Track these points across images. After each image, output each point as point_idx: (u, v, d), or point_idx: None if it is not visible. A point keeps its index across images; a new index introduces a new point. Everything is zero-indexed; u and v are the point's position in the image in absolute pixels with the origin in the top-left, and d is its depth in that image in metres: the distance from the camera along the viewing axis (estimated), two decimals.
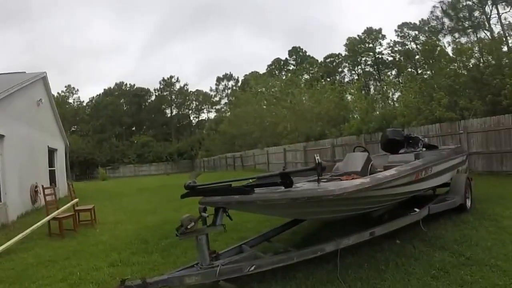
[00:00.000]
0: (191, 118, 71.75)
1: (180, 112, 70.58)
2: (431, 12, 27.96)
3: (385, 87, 37.13)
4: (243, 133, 31.79)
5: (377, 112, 18.67)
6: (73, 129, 61.10)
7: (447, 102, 13.44)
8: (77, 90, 67.96)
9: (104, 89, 70.64)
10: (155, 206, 11.10)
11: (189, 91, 68.57)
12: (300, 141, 22.05)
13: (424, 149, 6.94)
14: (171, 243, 6.00)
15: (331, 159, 18.01)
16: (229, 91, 63.52)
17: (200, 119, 70.60)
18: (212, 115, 66.33)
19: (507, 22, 22.44)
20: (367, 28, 47.74)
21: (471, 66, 14.25)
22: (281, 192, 3.54)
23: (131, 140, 61.80)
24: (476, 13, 24.56)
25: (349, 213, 4.76)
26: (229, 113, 43.63)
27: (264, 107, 30.63)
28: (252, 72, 56.24)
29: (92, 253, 5.88)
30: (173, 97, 69.38)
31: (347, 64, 50.39)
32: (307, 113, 25.18)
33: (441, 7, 26.10)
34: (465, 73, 14.25)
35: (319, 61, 50.04)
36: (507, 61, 12.02)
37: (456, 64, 15.50)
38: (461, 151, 8.22)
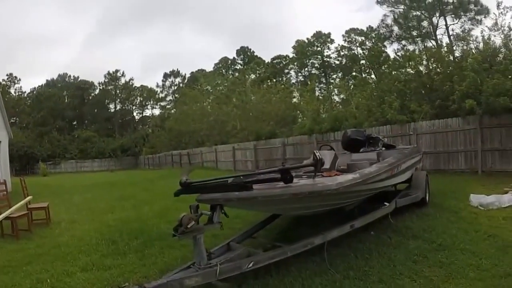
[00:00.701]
0: (135, 114, 69.28)
1: (124, 108, 67.74)
2: (382, 20, 29.74)
3: (336, 89, 39.42)
4: (191, 131, 31.38)
5: (324, 114, 19.34)
6: (12, 120, 55.80)
7: (398, 106, 14.37)
8: (19, 79, 62.52)
9: (47, 80, 66.25)
10: (110, 204, 10.48)
11: (133, 86, 66.12)
12: (250, 140, 22.23)
13: (383, 148, 7.33)
14: (143, 243, 5.77)
15: (282, 157, 18.41)
16: (175, 87, 62.20)
17: (143, 115, 68.44)
18: (156, 111, 64.68)
19: (454, 33, 24.59)
20: (316, 31, 49.69)
21: (422, 72, 15.36)
22: (283, 188, 3.61)
23: (73, 135, 58.00)
24: (425, 23, 26.58)
25: (336, 206, 5.00)
26: (175, 110, 42.82)
27: (214, 105, 30.45)
28: (199, 70, 55.82)
29: (56, 257, 5.34)
30: (118, 91, 66.35)
31: (293, 66, 51.76)
32: (257, 113, 25.61)
33: (393, 16, 27.68)
34: (416, 79, 15.30)
35: (266, 61, 50.89)
36: (455, 70, 13.16)
37: (406, 70, 16.63)
38: (418, 150, 8.86)
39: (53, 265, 4.90)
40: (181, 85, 60.49)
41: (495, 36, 13.96)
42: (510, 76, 10.91)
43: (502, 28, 13.63)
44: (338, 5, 71.24)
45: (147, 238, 6.02)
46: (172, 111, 46.27)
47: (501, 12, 13.59)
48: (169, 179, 16.28)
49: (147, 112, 68.01)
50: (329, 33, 48.86)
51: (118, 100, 66.54)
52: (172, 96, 61.45)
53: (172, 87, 63.40)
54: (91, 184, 19.38)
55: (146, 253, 5.25)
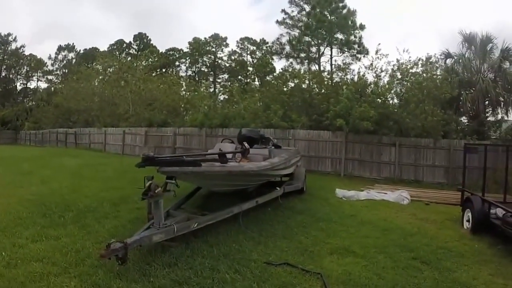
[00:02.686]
0: (18, 84, 58.23)
1: (8, 76, 56.24)
2: (277, 38, 33.05)
3: (221, 89, 41.44)
4: (80, 109, 28.88)
5: (209, 111, 20.40)
6: None
7: (281, 114, 16.64)
8: None
9: None
10: (15, 179, 9.49)
11: (23, 54, 55.66)
12: (142, 126, 22.00)
13: (273, 147, 8.74)
14: (76, 215, 5.85)
15: (172, 146, 19.12)
16: (66, 62, 55.05)
17: (27, 86, 58.13)
18: (43, 84, 55.86)
19: (336, 63, 28.76)
20: (214, 33, 50.99)
21: (305, 90, 18.09)
22: (221, 167, 4.67)
23: None
24: (313, 49, 30.90)
25: (247, 185, 6.32)
26: (63, 85, 38.32)
27: (107, 86, 28.64)
28: (92, 47, 51.29)
29: None
30: (5, 57, 54.80)
31: (185, 60, 52.25)
32: (152, 100, 25.35)
33: (289, 38, 31.22)
34: (298, 94, 17.92)
35: (161, 51, 50.12)
36: (332, 93, 16.17)
37: (289, 85, 19.16)
38: (298, 152, 10.85)
39: None
40: (73, 60, 53.68)
41: (368, 73, 17.25)
42: (374, 107, 14.03)
43: (375, 69, 16.90)
44: (239, 11, 74.02)
45: (77, 211, 6.11)
46: (61, 86, 40.87)
47: (377, 56, 17.09)
48: (62, 158, 15.37)
49: (32, 84, 57.93)
50: (226, 37, 50.86)
51: (5, 66, 54.72)
52: (61, 71, 53.88)
53: (64, 61, 55.60)
54: None
55: (85, 223, 5.43)
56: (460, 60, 17.54)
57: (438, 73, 16.40)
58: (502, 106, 16.42)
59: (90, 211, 6.14)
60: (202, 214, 5.33)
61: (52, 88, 45.10)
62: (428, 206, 8.90)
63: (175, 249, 4.33)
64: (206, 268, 3.92)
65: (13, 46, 54.53)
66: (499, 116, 16.61)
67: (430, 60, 16.69)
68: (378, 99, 15.05)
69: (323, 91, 17.09)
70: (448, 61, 18.21)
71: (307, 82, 19.07)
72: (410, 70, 16.02)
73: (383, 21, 59.96)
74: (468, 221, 6.44)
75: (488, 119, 16.41)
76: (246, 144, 5.60)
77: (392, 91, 15.47)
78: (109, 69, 30.98)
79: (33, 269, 3.74)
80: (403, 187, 11.36)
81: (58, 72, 54.15)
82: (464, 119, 17.13)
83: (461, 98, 16.04)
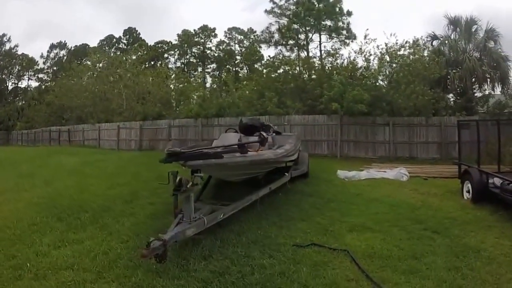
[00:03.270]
0: (8, 83, 56.54)
1: (2, 76, 54.62)
2: (267, 27, 33.26)
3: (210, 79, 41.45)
4: (73, 106, 28.58)
5: (201, 101, 20.51)
6: None
7: (276, 101, 16.89)
8: None
9: None
10: (16, 182, 9.04)
11: (16, 54, 54.12)
12: (137, 120, 22.01)
13: (274, 134, 8.97)
14: (92, 216, 5.69)
15: (167, 138, 19.23)
16: (57, 59, 53.85)
17: (18, 86, 56.59)
18: (33, 83, 54.54)
19: (325, 49, 29.13)
20: (203, 25, 50.66)
21: (297, 76, 18.39)
22: (243, 157, 4.80)
23: None
24: (302, 36, 31.15)
25: (260, 172, 6.52)
26: (54, 82, 37.71)
27: (99, 81, 28.33)
28: (82, 44, 50.56)
29: (11, 241, 4.67)
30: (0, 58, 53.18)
31: (173, 52, 51.96)
32: (145, 94, 25.31)
33: (279, 26, 31.37)
34: (292, 81, 18.21)
35: (149, 44, 49.72)
36: (324, 79, 16.50)
37: (281, 72, 19.35)
38: (299, 137, 11.12)
39: (17, 249, 4.35)
40: (64, 57, 52.47)
41: (358, 57, 17.64)
42: (366, 89, 14.47)
43: (364, 53, 17.32)
44: (226, 2, 73.53)
45: (92, 211, 5.96)
46: (52, 83, 40.10)
47: (366, 41, 17.54)
48: (58, 156, 15.12)
49: (23, 84, 56.43)
50: (214, 28, 50.63)
51: None
52: (51, 69, 52.63)
53: (56, 59, 54.32)
54: None
55: (103, 224, 5.32)
56: (446, 42, 18.01)
57: (425, 55, 16.90)
58: (488, 82, 17.05)
59: (104, 210, 6.04)
60: (222, 204, 5.43)
61: (43, 86, 44.16)
62: (426, 181, 9.39)
63: (205, 241, 4.40)
64: (241, 256, 4.07)
65: (7, 46, 53.12)
66: (486, 92, 17.26)
67: (417, 43, 17.13)
68: (369, 82, 15.47)
69: (314, 76, 17.37)
70: (435, 42, 18.67)
71: (298, 69, 19.34)
72: (398, 52, 16.42)
73: (365, 5, 60.26)
74: (468, 192, 6.89)
75: (475, 95, 17.03)
76: (263, 134, 5.79)
77: (382, 74, 15.83)
78: (98, 64, 30.60)
79: (65, 278, 3.56)
80: (400, 165, 11.82)
81: (49, 70, 52.94)
82: (451, 97, 17.72)
83: (449, 77, 16.59)
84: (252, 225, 5.15)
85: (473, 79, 16.67)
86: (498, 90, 17.11)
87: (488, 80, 16.92)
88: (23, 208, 6.29)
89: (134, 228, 5.10)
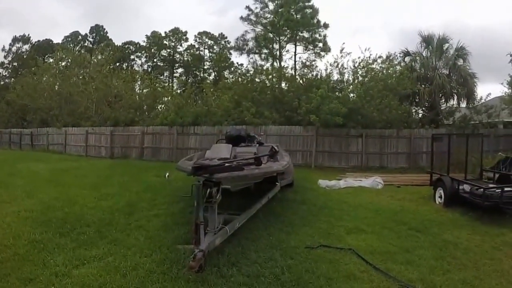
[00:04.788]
0: None
1: None
2: (242, 35, 33.55)
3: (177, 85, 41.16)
4: (37, 108, 27.01)
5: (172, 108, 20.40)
6: None
7: (254, 111, 17.40)
8: None
9: None
10: None
11: None
12: (107, 125, 21.17)
13: (257, 145, 9.19)
14: (97, 231, 5.50)
15: (140, 145, 19.15)
16: (19, 54, 50.41)
17: None
18: None
19: (300, 60, 29.62)
20: (174, 27, 50.14)
21: (275, 87, 19.10)
22: (258, 169, 5.33)
23: None
24: (276, 46, 31.89)
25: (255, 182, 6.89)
26: (16, 80, 35.23)
27: (65, 82, 27.04)
28: (46, 39, 48.06)
29: (16, 263, 4.31)
30: None
31: (140, 54, 50.93)
32: (118, 98, 24.56)
33: (256, 35, 31.88)
34: (270, 92, 18.94)
35: (117, 45, 48.22)
36: (302, 91, 17.43)
37: (257, 82, 19.88)
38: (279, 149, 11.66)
39: (30, 271, 4.03)
40: (27, 53, 49.04)
41: (332, 71, 18.73)
42: (341, 102, 15.35)
43: (340, 67, 18.44)
44: (195, 5, 72.94)
45: (94, 225, 5.78)
46: (12, 80, 37.38)
47: (342, 55, 18.63)
48: (26, 163, 14.41)
49: None
50: (186, 32, 50.25)
51: None
52: (11, 64, 49.09)
53: (18, 52, 50.53)
54: None
55: (114, 238, 5.21)
56: (418, 58, 19.56)
57: (398, 70, 18.18)
58: (455, 98, 18.72)
59: (107, 224, 5.86)
60: (228, 213, 5.59)
61: (2, 82, 41.40)
62: (399, 189, 10.32)
63: (228, 249, 4.65)
64: (266, 259, 4.44)
65: None
66: (453, 105, 18.82)
67: (390, 58, 18.63)
68: (346, 94, 16.52)
69: (293, 89, 18.13)
70: (407, 58, 20.16)
71: (274, 80, 20.02)
72: (371, 66, 17.65)
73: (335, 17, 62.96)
74: (440, 197, 7.85)
75: (442, 109, 18.60)
76: (275, 147, 6.33)
77: (356, 88, 16.87)
78: (61, 62, 29.28)
79: None
80: (371, 174, 12.77)
81: (9, 65, 49.51)
82: (420, 110, 19.34)
83: (418, 91, 17.96)
84: (262, 232, 5.56)
85: (441, 95, 18.24)
86: (463, 104, 18.78)
87: (455, 95, 18.54)
88: (14, 223, 5.84)
89: (150, 241, 5.06)
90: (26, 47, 50.12)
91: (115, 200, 7.73)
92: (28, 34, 50.67)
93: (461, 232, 5.84)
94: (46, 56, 37.10)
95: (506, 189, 6.50)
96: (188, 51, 49.57)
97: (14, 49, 50.09)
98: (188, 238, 4.85)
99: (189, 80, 45.02)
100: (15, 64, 47.33)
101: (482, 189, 6.55)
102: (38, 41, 48.78)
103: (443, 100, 18.76)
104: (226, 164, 4.78)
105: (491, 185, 7.06)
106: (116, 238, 5.20)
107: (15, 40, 50.46)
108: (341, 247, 4.94)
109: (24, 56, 46.74)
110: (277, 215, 6.69)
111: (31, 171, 12.23)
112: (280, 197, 7.95)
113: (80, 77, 27.02)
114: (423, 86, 18.17)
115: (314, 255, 4.64)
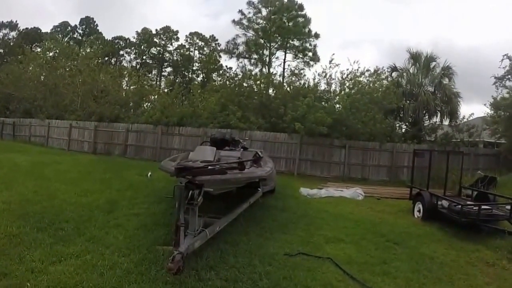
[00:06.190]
0: None
1: None
2: (233, 38, 33.50)
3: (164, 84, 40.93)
4: (22, 97, 26.27)
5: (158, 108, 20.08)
6: None
7: (240, 115, 17.41)
8: None
9: None
10: None
11: None
12: (92, 120, 20.86)
13: (242, 149, 9.35)
14: (75, 228, 5.39)
15: (123, 143, 18.91)
16: (5, 41, 48.81)
17: None
18: None
19: (289, 67, 29.25)
20: (166, 26, 49.80)
21: (263, 93, 19.18)
22: (241, 174, 5.33)
23: None
24: (266, 52, 32.08)
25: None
26: (1, 67, 34.10)
27: (51, 73, 26.43)
28: (34, 27, 46.91)
29: None
30: None
31: (130, 50, 50.33)
32: (105, 93, 24.13)
33: (247, 40, 31.89)
34: (257, 97, 18.99)
35: (106, 39, 47.47)
36: (289, 99, 17.50)
37: (245, 86, 19.93)
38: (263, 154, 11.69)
39: (5, 266, 3.92)
40: (13, 40, 47.48)
41: (320, 80, 19.07)
42: (327, 112, 15.54)
43: (328, 78, 18.77)
44: (189, 5, 72.83)
45: (73, 221, 5.67)
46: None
47: (330, 66, 18.96)
48: (6, 154, 14.07)
49: None
50: (177, 31, 49.97)
51: None
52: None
53: (4, 39, 48.88)
54: None
55: (92, 235, 5.10)
56: (405, 74, 20.05)
57: (384, 84, 18.57)
58: (438, 115, 19.26)
59: (85, 221, 5.76)
60: (208, 217, 5.49)
61: None
62: (379, 201, 10.46)
63: (206, 252, 4.61)
64: (244, 265, 4.42)
65: None
66: (436, 123, 19.37)
67: (378, 72, 18.94)
68: (331, 104, 16.70)
69: (280, 96, 18.23)
70: (394, 74, 20.67)
71: (262, 85, 20.10)
72: (358, 79, 17.96)
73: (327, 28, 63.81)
74: (418, 211, 8.00)
75: (425, 125, 19.05)
76: (259, 152, 6.33)
77: (344, 99, 17.03)
78: (48, 52, 28.60)
79: None
80: (353, 184, 12.95)
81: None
82: (404, 125, 19.76)
83: (402, 107, 18.32)
84: (242, 237, 5.52)
85: (425, 112, 18.68)
86: (446, 122, 19.34)
87: (439, 113, 19.06)
88: None
89: (129, 240, 4.99)
90: (13, 34, 48.76)
91: (96, 197, 7.60)
92: (16, 21, 49.41)
93: (437, 247, 5.95)
94: (34, 45, 36.16)
95: (483, 207, 6.68)
96: (178, 50, 49.39)
97: (0, 35, 48.77)
98: (168, 239, 4.86)
99: (177, 80, 44.90)
100: (1, 51, 46.04)
101: (460, 206, 6.70)
102: (26, 28, 47.72)
103: (427, 117, 19.24)
104: (209, 167, 4.73)
105: (469, 202, 7.29)
106: (94, 236, 5.09)
107: (1, 26, 49.02)
108: (319, 255, 4.95)
109: (11, 44, 45.48)
110: (258, 220, 6.68)
111: (11, 162, 11.91)
112: (261, 203, 7.97)
113: (67, 69, 26.48)
114: (408, 101, 18.61)
115: (293, 263, 4.63)
